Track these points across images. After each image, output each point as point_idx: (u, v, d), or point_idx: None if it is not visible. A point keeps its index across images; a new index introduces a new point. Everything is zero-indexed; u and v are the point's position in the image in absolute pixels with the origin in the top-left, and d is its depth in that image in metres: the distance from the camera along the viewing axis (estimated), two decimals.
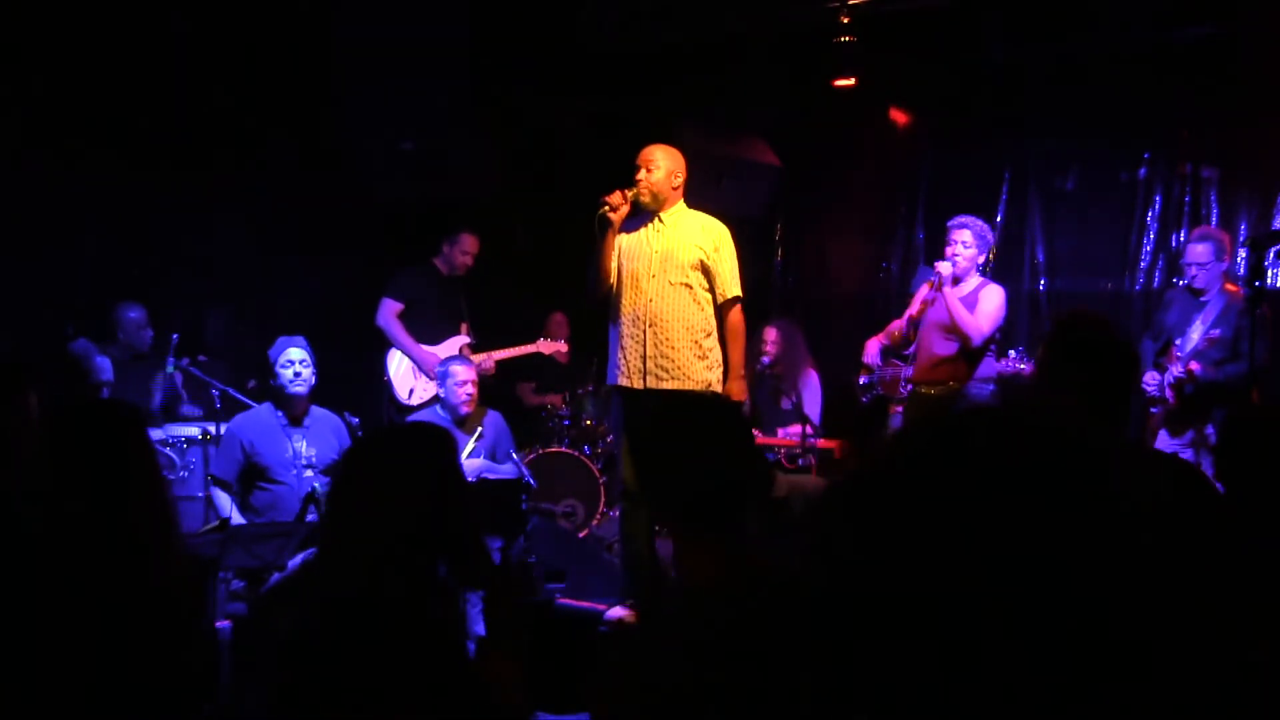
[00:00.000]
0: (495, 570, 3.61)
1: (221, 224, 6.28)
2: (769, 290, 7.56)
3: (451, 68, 6.03)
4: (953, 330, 5.00)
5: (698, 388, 4.29)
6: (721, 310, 4.40)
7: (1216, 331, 4.77)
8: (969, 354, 5.03)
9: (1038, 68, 6.48)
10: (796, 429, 5.87)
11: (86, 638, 2.02)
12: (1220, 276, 4.91)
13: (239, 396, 5.28)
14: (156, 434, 5.00)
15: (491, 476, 4.91)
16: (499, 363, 6.24)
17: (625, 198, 4.32)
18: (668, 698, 1.60)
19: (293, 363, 4.64)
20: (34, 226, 5.47)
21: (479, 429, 5.20)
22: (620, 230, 4.38)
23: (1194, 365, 4.74)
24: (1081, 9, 6.09)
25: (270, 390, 4.76)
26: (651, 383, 4.30)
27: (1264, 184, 6.23)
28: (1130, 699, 0.72)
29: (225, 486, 4.61)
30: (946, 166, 7.08)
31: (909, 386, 5.20)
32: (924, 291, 5.18)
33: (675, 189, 4.40)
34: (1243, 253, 5.95)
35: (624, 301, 4.38)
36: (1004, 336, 5.44)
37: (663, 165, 4.36)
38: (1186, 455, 4.65)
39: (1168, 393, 4.81)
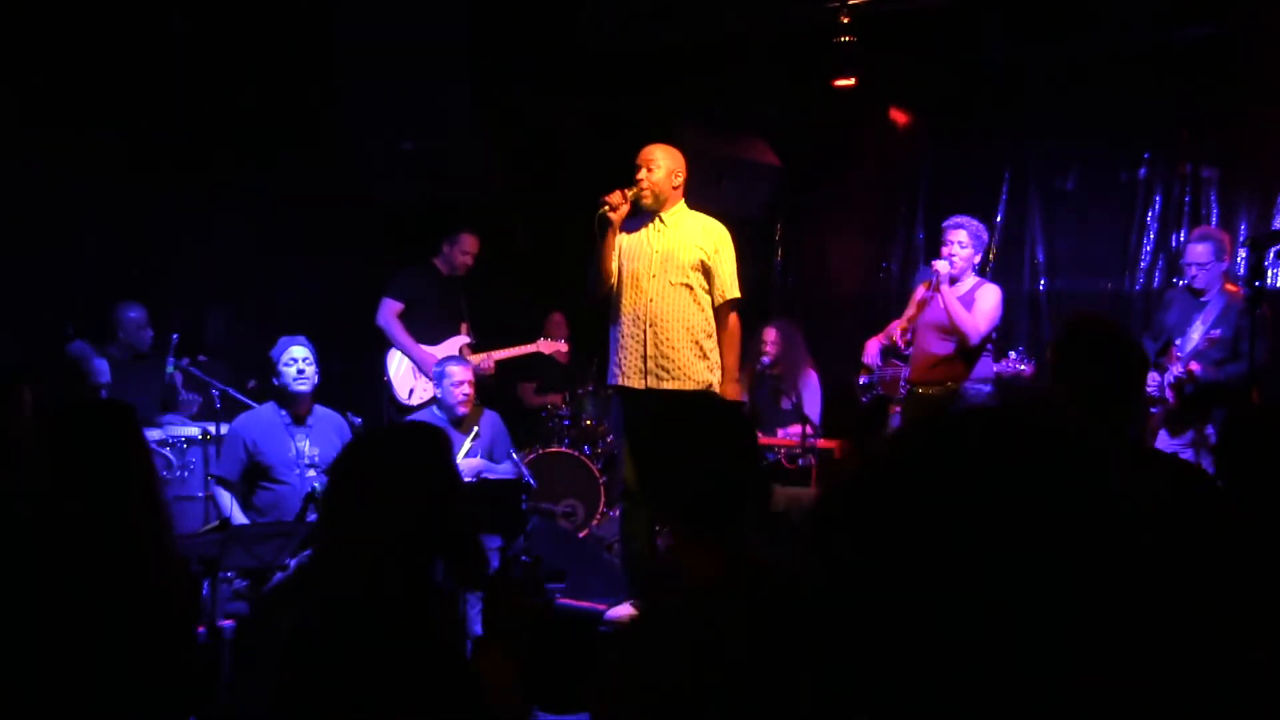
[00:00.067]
0: (492, 571, 3.61)
1: (221, 224, 6.28)
2: (769, 290, 7.55)
3: (451, 68, 6.02)
4: (950, 330, 5.00)
5: (698, 388, 4.29)
6: (719, 312, 4.40)
7: (1217, 331, 4.77)
8: (966, 354, 5.03)
9: (1038, 68, 6.48)
10: (796, 429, 5.86)
11: (85, 637, 2.02)
12: (1220, 276, 4.90)
13: (239, 396, 5.28)
14: (156, 434, 5.00)
15: (491, 476, 4.91)
16: (499, 363, 6.24)
17: (625, 197, 4.32)
18: (668, 698, 1.60)
19: (296, 360, 4.64)
20: (34, 226, 5.47)
21: (475, 429, 5.20)
22: (621, 230, 4.38)
23: (1194, 365, 4.74)
24: (1081, 9, 6.09)
25: (272, 390, 4.76)
26: (652, 383, 4.30)
27: (1264, 184, 6.22)
28: (1130, 699, 0.72)
29: (228, 486, 4.61)
30: (946, 166, 7.07)
31: (908, 387, 5.20)
32: (920, 291, 5.18)
33: (675, 189, 4.40)
34: (1243, 253, 5.94)
35: (624, 301, 4.38)
36: (1003, 337, 5.44)
37: (663, 165, 4.36)
38: (1186, 455, 4.65)
39: (1168, 393, 4.81)
